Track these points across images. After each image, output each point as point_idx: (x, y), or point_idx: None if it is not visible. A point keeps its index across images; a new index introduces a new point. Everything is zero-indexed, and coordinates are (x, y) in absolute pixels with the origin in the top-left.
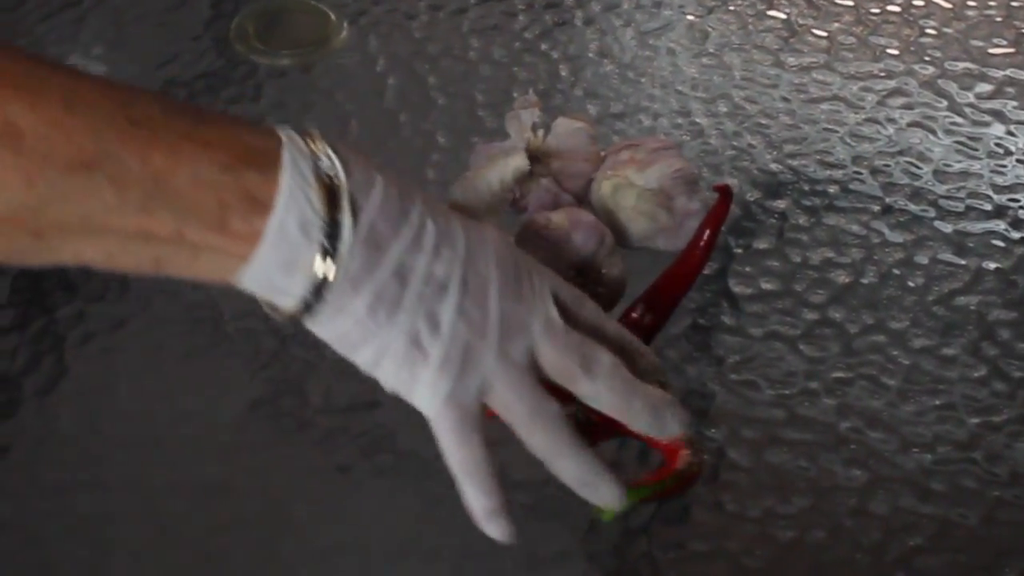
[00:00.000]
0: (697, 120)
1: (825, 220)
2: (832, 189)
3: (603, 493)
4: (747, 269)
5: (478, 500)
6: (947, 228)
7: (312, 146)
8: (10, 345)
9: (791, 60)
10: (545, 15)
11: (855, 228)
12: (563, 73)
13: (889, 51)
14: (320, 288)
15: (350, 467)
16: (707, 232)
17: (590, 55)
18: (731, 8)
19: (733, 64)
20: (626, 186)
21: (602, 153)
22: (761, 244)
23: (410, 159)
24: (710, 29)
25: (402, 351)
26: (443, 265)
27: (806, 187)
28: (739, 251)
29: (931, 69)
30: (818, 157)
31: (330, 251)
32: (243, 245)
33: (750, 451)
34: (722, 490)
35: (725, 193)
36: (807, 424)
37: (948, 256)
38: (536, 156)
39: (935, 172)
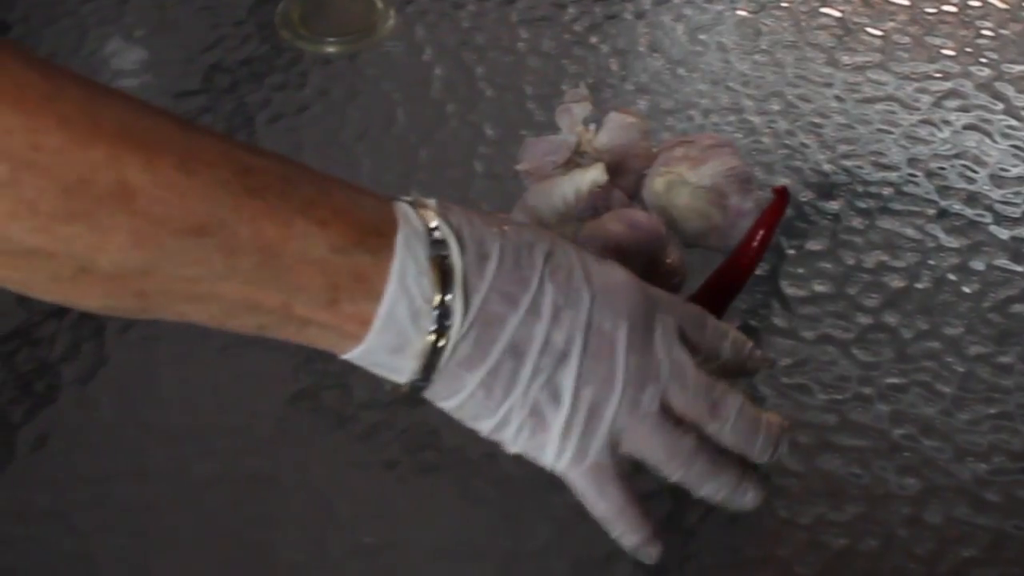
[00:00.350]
0: (749, 118)
1: (879, 223)
2: (886, 191)
3: (747, 501)
4: (799, 271)
5: (625, 538)
6: (1003, 234)
7: (426, 220)
8: (49, 331)
9: (845, 59)
10: (595, 8)
11: (910, 232)
12: (613, 67)
13: (945, 52)
14: (430, 370)
15: (394, 463)
16: (760, 232)
17: (640, 49)
18: (784, 5)
19: (786, 62)
20: (680, 183)
21: (654, 149)
22: (814, 246)
23: (457, 151)
24: (762, 26)
25: (522, 422)
26: (563, 331)
27: (860, 189)
28: (791, 252)
29: (987, 71)
30: (872, 158)
31: (440, 335)
32: (351, 326)
33: (802, 456)
34: (773, 495)
35: (782, 194)
36: (860, 430)
37: (1004, 262)
38: (587, 151)
39: (991, 176)
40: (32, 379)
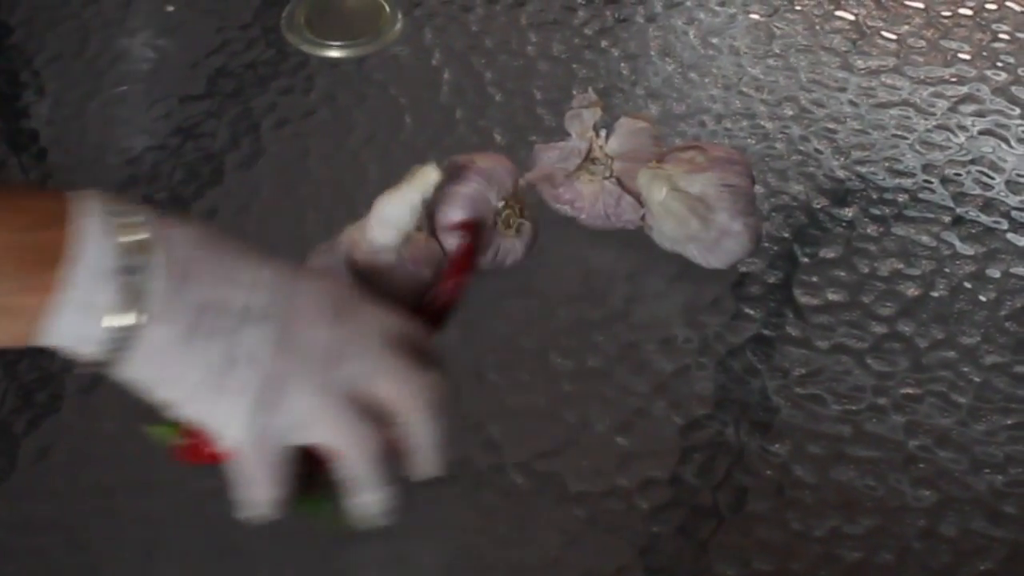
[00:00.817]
0: (762, 123)
1: (894, 230)
2: (901, 198)
3: (385, 522)
4: (813, 279)
5: (251, 508)
6: (1020, 241)
7: (112, 202)
8: None
9: (859, 63)
10: (606, 11)
11: (925, 239)
12: (624, 71)
13: (961, 56)
14: (126, 330)
15: (402, 476)
16: (451, 281)
17: (652, 53)
18: (797, 8)
19: (799, 66)
20: (663, 180)
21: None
22: (828, 253)
23: None
24: (775, 29)
25: (211, 385)
26: (257, 298)
27: (874, 195)
28: (805, 260)
29: (1004, 75)
30: (887, 164)
31: (133, 294)
32: (44, 298)
33: (816, 468)
34: (787, 508)
35: (472, 231)
36: (875, 441)
37: (1021, 270)
38: (597, 157)
39: (1008, 183)
40: (35, 389)
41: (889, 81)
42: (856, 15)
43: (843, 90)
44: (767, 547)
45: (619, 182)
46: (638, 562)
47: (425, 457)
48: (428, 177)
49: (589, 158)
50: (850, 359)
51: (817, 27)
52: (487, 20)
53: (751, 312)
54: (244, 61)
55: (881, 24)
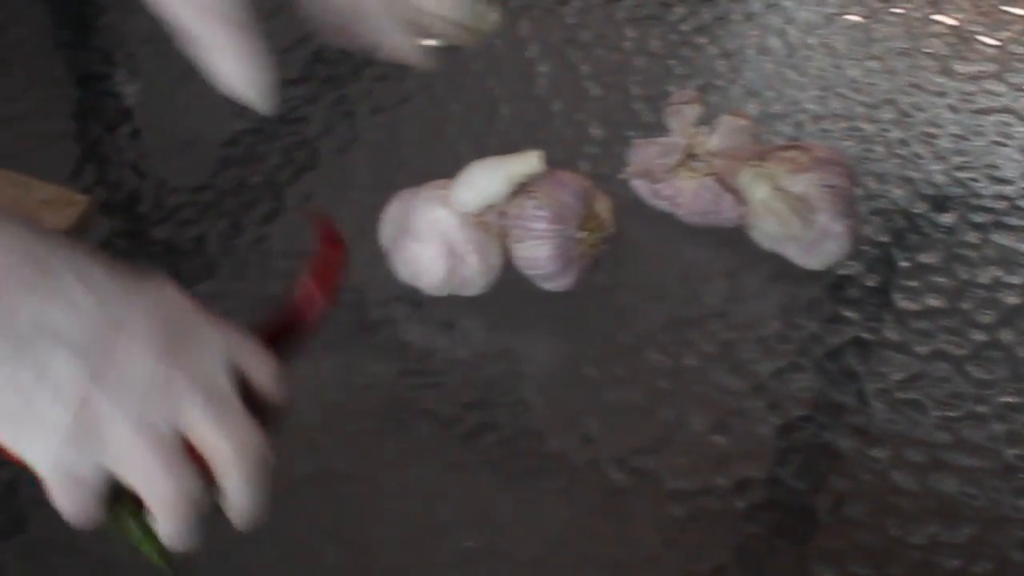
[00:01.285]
0: (860, 125)
1: (994, 237)
2: (1001, 205)
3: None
4: (913, 284)
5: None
6: None
7: None
8: None
9: (959, 68)
10: (702, 8)
11: None
12: (721, 69)
13: None
14: None
15: (497, 466)
16: (308, 284)
17: (749, 52)
18: (896, 11)
19: (898, 69)
20: (765, 179)
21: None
22: (928, 259)
23: (562, 151)
24: (874, 31)
25: (15, 411)
26: (72, 321)
27: (974, 202)
28: (905, 264)
29: None
30: (987, 171)
31: None
32: None
33: (914, 474)
34: (885, 513)
35: (329, 236)
36: (974, 449)
37: None
38: (698, 153)
39: None
40: None
41: (989, 87)
42: (956, 20)
43: (942, 95)
44: (864, 552)
45: (719, 179)
46: (735, 562)
47: (235, 512)
48: (528, 163)
49: (689, 154)
50: (949, 366)
51: (916, 31)
52: (583, 13)
53: (849, 315)
54: (339, 46)
55: (981, 30)
